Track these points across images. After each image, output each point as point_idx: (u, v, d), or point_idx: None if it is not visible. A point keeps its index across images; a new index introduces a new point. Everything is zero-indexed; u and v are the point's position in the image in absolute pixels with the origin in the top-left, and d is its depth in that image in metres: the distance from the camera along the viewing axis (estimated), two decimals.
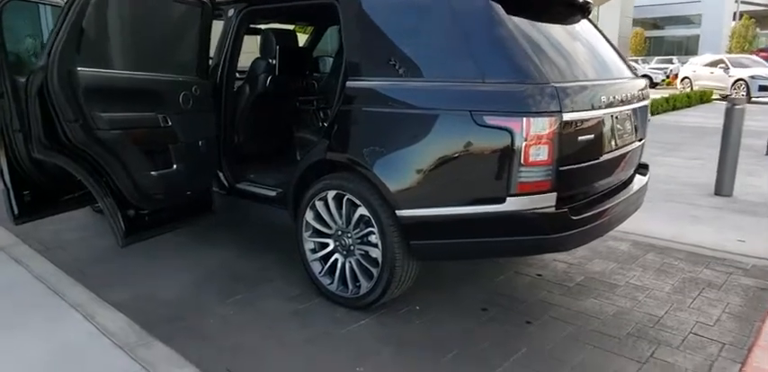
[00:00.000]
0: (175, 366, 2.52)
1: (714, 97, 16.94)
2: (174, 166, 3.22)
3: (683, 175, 6.27)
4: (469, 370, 2.50)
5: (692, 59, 20.88)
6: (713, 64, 18.36)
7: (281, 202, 3.40)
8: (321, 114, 4.59)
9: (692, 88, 18.40)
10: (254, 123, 4.06)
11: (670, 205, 5.08)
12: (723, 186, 5.43)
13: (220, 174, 3.78)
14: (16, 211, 3.44)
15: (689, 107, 14.88)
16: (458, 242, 2.65)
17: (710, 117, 12.12)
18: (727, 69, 17.45)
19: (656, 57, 29.99)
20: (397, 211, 2.70)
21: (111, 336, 2.75)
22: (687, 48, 41.71)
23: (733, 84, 16.80)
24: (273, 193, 3.47)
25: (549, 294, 3.28)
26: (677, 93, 16.32)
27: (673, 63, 27.42)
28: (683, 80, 19.78)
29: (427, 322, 2.94)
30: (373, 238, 2.89)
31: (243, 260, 3.78)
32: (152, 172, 3.10)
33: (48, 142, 2.91)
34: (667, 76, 24.88)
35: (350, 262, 3.01)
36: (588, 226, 2.59)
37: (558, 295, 3.27)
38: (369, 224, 2.87)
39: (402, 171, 2.69)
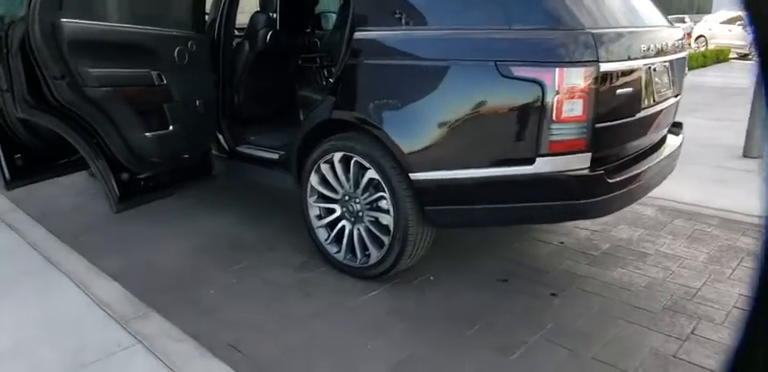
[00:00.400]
0: (173, 339, 2.34)
1: (731, 56, 16.34)
2: (171, 127, 2.97)
3: (709, 137, 5.95)
4: (493, 347, 2.30)
5: (707, 17, 20.10)
6: (730, 21, 17.65)
7: (284, 166, 3.16)
8: (325, 72, 4.29)
9: (707, 47, 17.76)
10: (255, 82, 3.78)
11: (696, 168, 4.79)
12: (752, 147, 5.13)
13: (220, 137, 3.53)
14: (7, 176, 3.23)
15: (704, 67, 14.34)
16: (478, 208, 2.41)
17: (730, 77, 11.66)
18: (746, 26, 16.72)
19: (668, 17, 28.88)
20: (410, 174, 2.46)
21: (106, 307, 2.57)
22: (699, 6, 40.30)
23: None
24: (276, 156, 3.23)
25: (573, 263, 3.06)
26: (692, 52, 15.75)
27: (685, 22, 26.50)
28: (697, 39, 19.06)
29: (443, 293, 2.74)
30: (384, 204, 2.66)
31: (245, 226, 3.57)
32: (146, 134, 2.86)
33: (33, 101, 2.66)
34: None
35: (358, 230, 2.79)
36: (624, 190, 2.34)
37: (584, 264, 3.05)
38: (379, 188, 2.64)
39: (417, 129, 2.43)
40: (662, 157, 2.78)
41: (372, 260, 2.73)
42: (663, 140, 3.01)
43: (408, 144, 2.43)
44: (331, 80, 2.94)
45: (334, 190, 2.85)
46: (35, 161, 3.36)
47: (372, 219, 2.73)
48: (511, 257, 3.14)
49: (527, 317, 2.52)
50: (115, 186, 2.84)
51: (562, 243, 3.34)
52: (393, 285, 2.80)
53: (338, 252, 2.90)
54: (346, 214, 2.83)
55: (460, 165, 2.35)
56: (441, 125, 2.36)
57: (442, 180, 2.40)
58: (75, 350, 2.25)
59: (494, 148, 2.31)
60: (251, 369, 2.17)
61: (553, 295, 2.73)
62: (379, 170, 2.56)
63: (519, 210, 2.36)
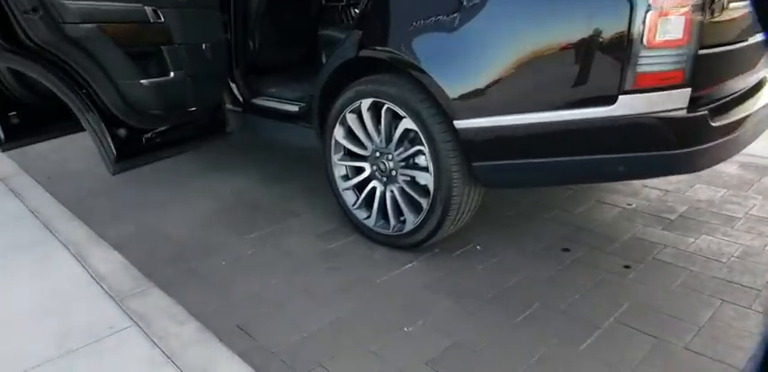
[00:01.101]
0: (174, 320, 1.99)
1: None
2: (172, 74, 2.54)
3: None
4: (557, 334, 1.87)
5: None
6: None
7: (306, 119, 2.73)
8: (352, 12, 3.78)
9: None
10: (273, 24, 3.32)
11: None
12: None
13: (233, 87, 3.10)
14: (1, 136, 2.90)
15: None
16: (539, 162, 1.94)
17: None
18: None
19: None
20: (455, 122, 1.99)
21: (102, 282, 2.24)
22: None
23: None
24: (296, 108, 2.80)
25: (646, 229, 2.58)
26: None
27: None
28: None
29: (493, 266, 2.31)
30: (422, 160, 2.22)
31: (264, 189, 3.18)
32: (142, 81, 2.44)
33: (5, 42, 2.27)
34: None
35: (391, 191, 2.36)
36: (729, 137, 1.83)
37: (659, 230, 2.56)
38: (416, 141, 2.20)
39: (466, 65, 1.95)
40: (764, 104, 2.24)
41: (408, 226, 2.31)
42: (762, 84, 2.45)
43: (454, 84, 1.97)
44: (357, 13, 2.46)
45: (361, 145, 2.41)
46: (33, 119, 3.02)
47: (408, 179, 2.29)
48: (572, 222, 2.68)
49: (597, 295, 2.07)
50: (111, 143, 2.46)
51: (630, 205, 2.84)
52: (432, 256, 2.38)
53: (368, 217, 2.48)
54: (377, 173, 2.40)
55: (519, 108, 1.88)
56: (496, 58, 1.88)
57: (494, 128, 1.93)
58: (60, 334, 1.91)
59: (562, 85, 1.81)
60: (263, 360, 1.80)
61: (626, 267, 2.27)
62: (417, 118, 2.11)
63: (591, 165, 1.88)
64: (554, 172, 1.96)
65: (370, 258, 2.38)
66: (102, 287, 2.20)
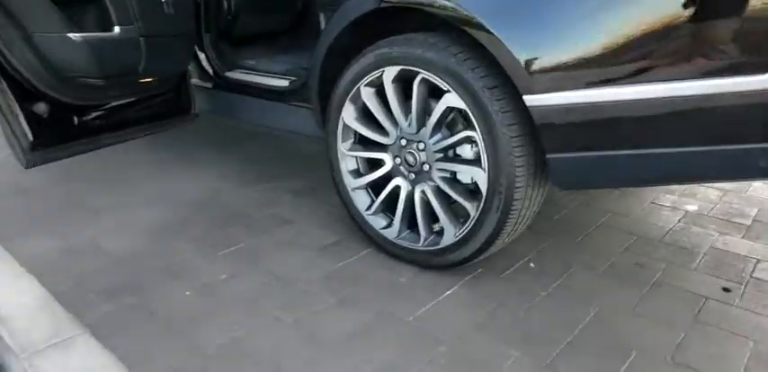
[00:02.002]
0: None
1: None
2: (116, 30, 1.87)
3: None
4: None
5: None
6: None
7: (300, 97, 2.09)
8: None
9: None
10: None
11: None
12: None
13: (202, 58, 2.44)
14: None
15: None
16: (649, 153, 1.34)
17: None
18: None
19: None
20: (528, 98, 1.39)
21: (3, 326, 1.55)
22: None
23: None
24: (286, 83, 2.16)
25: (725, 238, 2.06)
26: None
27: None
28: None
29: (558, 292, 1.72)
30: (468, 150, 1.62)
31: (246, 189, 2.52)
32: (70, 35, 1.75)
33: None
34: None
35: (422, 192, 1.75)
36: None
37: (740, 238, 2.05)
38: (459, 125, 1.62)
39: (550, 19, 1.35)
40: None
41: (447, 239, 1.71)
42: None
43: (534, 43, 1.36)
44: None
45: (381, 129, 1.80)
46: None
47: (447, 175, 1.69)
48: (632, 229, 2.12)
49: (708, 334, 1.51)
50: (24, 124, 1.76)
51: (691, 208, 2.31)
52: (475, 278, 1.79)
53: (388, 226, 1.87)
54: (402, 167, 1.78)
55: (630, 78, 1.28)
56: (594, 10, 1.29)
57: (588, 106, 1.33)
58: None
59: (690, 47, 1.22)
60: None
61: (726, 290, 1.73)
62: (467, 93, 1.50)
63: (718, 158, 1.29)
64: (663, 167, 1.37)
65: (393, 283, 1.77)
66: (1, 336, 1.52)
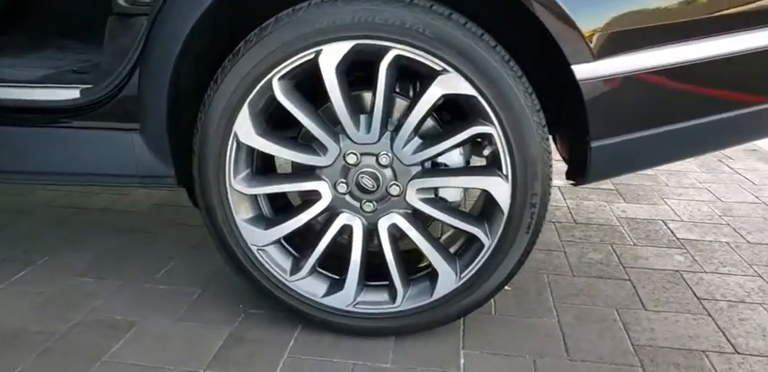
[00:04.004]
0: None
1: None
2: None
3: None
4: None
5: None
6: None
7: (105, 114, 1.25)
8: None
9: None
10: None
11: None
12: None
13: None
14: None
15: None
16: (689, 126, 1.13)
17: None
18: None
19: None
20: (579, 67, 1.02)
21: None
22: None
23: None
24: (73, 94, 1.25)
25: None
26: None
27: None
28: None
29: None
30: (456, 156, 1.17)
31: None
32: None
33: None
34: None
35: (392, 227, 1.19)
36: None
37: None
38: (456, 119, 1.14)
39: None
40: None
41: (444, 287, 1.19)
42: None
43: None
44: None
45: (307, 145, 1.16)
46: None
47: (430, 196, 1.18)
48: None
49: None
50: None
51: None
52: (480, 354, 1.30)
53: (332, 291, 1.23)
54: (350, 197, 1.18)
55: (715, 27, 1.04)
56: None
57: (660, 69, 1.04)
58: None
59: None
60: None
61: None
62: (479, 71, 1.04)
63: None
64: (703, 137, 1.19)
65: None
66: None
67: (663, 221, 1.90)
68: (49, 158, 1.29)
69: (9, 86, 1.30)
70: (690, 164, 2.48)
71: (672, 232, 1.82)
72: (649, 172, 2.37)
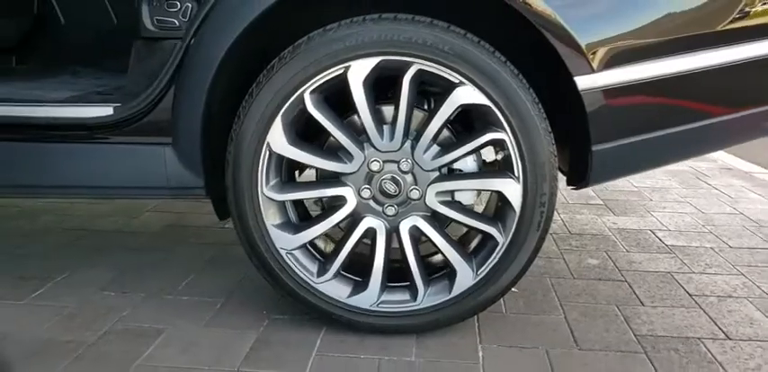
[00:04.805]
0: None
1: None
2: None
3: None
4: None
5: None
6: None
7: (138, 129, 1.33)
8: None
9: None
10: None
11: None
12: None
13: None
14: None
15: None
16: (692, 128, 1.27)
17: None
18: None
19: None
20: (581, 79, 1.16)
21: None
22: None
23: None
24: (107, 111, 1.34)
25: None
26: None
27: None
28: None
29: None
30: (470, 162, 1.29)
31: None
32: None
33: None
34: None
35: (413, 229, 1.29)
36: None
37: None
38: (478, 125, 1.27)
39: None
40: None
41: (462, 284, 1.28)
42: None
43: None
44: None
45: (333, 153, 1.26)
46: None
47: (448, 199, 1.29)
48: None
49: None
50: None
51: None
52: (497, 349, 1.39)
53: (356, 291, 1.31)
54: (373, 202, 1.28)
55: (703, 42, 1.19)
56: None
57: (651, 81, 1.18)
58: None
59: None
60: None
61: None
62: (492, 83, 1.17)
63: (744, 123, 1.32)
64: (690, 142, 1.33)
65: None
66: None
67: (651, 230, 2.03)
68: (80, 173, 1.36)
69: (38, 105, 1.38)
70: (671, 182, 2.63)
71: (660, 239, 1.94)
72: (634, 188, 2.52)
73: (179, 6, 1.33)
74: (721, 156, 3.11)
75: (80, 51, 2.08)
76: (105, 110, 1.33)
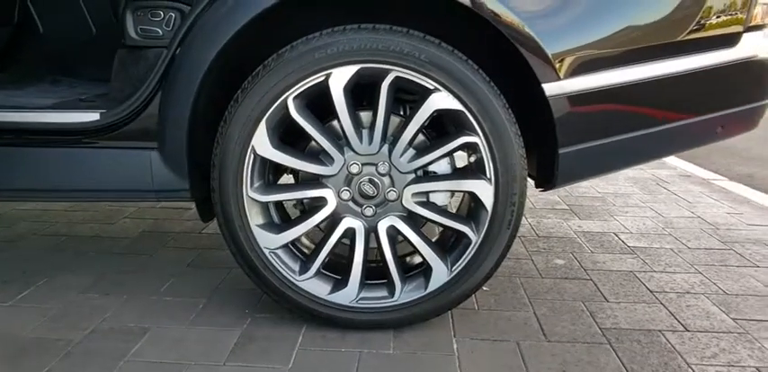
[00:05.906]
0: None
1: None
2: None
3: None
4: None
5: None
6: None
7: (123, 133, 1.38)
8: None
9: None
10: None
11: None
12: None
13: None
14: None
15: None
16: (645, 134, 1.37)
17: None
18: None
19: None
20: (549, 86, 1.26)
21: None
22: None
23: None
24: (93, 116, 1.38)
25: None
26: None
27: None
28: None
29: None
30: (444, 165, 1.36)
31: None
32: None
33: None
34: None
35: (390, 229, 1.36)
36: None
37: None
38: (442, 131, 1.34)
39: None
40: None
41: (437, 280, 1.36)
42: None
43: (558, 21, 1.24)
44: None
45: (318, 157, 1.33)
46: None
47: (424, 200, 1.36)
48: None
49: None
50: None
51: None
52: (475, 342, 1.46)
53: (336, 289, 1.37)
54: (352, 203, 1.35)
55: (642, 56, 1.29)
56: None
57: (611, 88, 1.28)
58: None
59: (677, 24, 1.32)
60: None
61: None
62: (465, 89, 1.25)
63: (694, 129, 1.43)
64: (649, 146, 1.43)
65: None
66: None
67: (614, 233, 2.13)
68: (68, 176, 1.40)
69: (26, 111, 1.42)
70: (633, 188, 2.76)
71: (623, 241, 2.05)
72: (598, 194, 2.64)
73: (162, 16, 1.39)
74: (681, 164, 3.26)
75: (59, 60, 2.11)
76: (92, 116, 1.38)
